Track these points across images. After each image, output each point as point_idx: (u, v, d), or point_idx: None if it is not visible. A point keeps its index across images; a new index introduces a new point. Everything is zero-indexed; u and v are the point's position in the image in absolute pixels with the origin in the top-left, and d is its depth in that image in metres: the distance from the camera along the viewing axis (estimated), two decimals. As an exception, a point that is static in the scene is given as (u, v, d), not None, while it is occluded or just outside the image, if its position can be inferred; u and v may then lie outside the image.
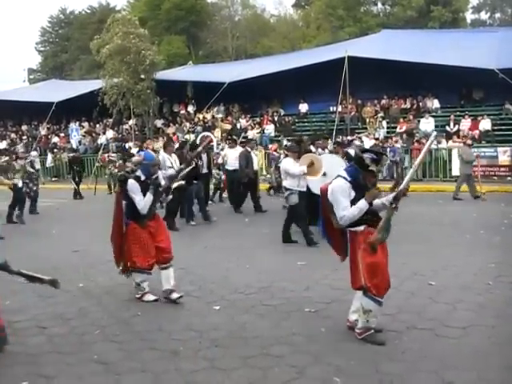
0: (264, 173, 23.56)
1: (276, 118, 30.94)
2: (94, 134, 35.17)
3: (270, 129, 29.80)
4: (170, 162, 12.67)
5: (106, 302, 7.39)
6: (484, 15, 59.15)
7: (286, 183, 10.83)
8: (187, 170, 8.58)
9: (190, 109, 34.33)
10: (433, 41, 29.96)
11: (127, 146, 30.52)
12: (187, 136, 30.73)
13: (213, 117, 32.41)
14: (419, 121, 26.10)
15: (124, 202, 7.43)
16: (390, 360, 5.22)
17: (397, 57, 26.14)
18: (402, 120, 26.58)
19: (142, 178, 7.36)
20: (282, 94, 31.92)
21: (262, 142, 27.43)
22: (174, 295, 7.23)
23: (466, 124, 25.37)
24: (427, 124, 25.53)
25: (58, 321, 6.66)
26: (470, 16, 57.41)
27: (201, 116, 32.49)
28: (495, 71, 23.23)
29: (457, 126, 25.34)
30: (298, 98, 30.74)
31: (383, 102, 28.88)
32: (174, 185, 8.39)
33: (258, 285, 7.83)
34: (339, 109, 27.39)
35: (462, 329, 5.89)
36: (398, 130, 25.83)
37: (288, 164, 10.73)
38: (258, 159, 16.86)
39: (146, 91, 31.29)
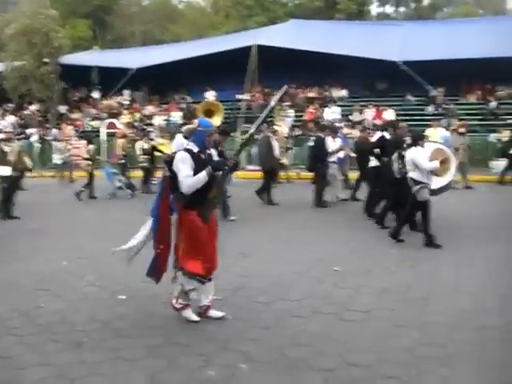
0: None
1: (183, 105, 30.74)
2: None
3: (176, 116, 29.57)
4: None
5: (7, 294, 7.09)
6: (389, 9, 60.97)
7: (414, 175, 9.42)
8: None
9: (96, 94, 33.52)
10: (340, 32, 30.66)
11: (28, 132, 29.51)
12: (92, 123, 30.12)
13: (120, 104, 31.85)
14: (324, 110, 26.63)
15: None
16: (296, 345, 5.29)
17: (305, 47, 26.49)
18: (307, 109, 27.01)
19: (195, 149, 5.78)
20: (189, 81, 31.69)
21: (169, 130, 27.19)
22: (214, 313, 6.09)
23: (370, 114, 26.10)
24: (332, 113, 26.06)
25: (-47, 314, 6.35)
26: (375, 9, 59.05)
27: (106, 102, 31.80)
28: (398, 63, 24.02)
29: (361, 116, 26.04)
30: (205, 85, 30.56)
31: (290, 90, 29.22)
32: None
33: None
34: (246, 97, 27.49)
35: (364, 312, 6.06)
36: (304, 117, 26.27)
37: (420, 155, 9.34)
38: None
39: (49, 75, 30.30)
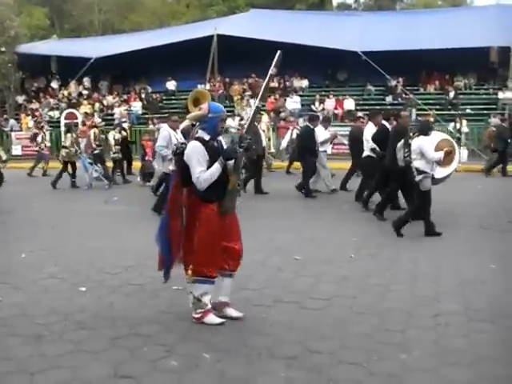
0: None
1: (143, 96, 30.50)
2: None
3: (137, 106, 29.36)
4: (175, 140, 10.69)
5: (-37, 287, 6.94)
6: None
7: (418, 164, 9.20)
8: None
9: (55, 84, 33.02)
10: (301, 22, 30.72)
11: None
12: (51, 113, 29.68)
13: (79, 94, 31.45)
14: (285, 99, 26.71)
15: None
16: (258, 334, 5.30)
17: (265, 36, 26.47)
18: (269, 99, 27.03)
19: (207, 137, 5.34)
20: (149, 71, 31.46)
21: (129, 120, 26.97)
22: (232, 312, 5.69)
23: (330, 103, 26.29)
24: (293, 103, 26.18)
25: None
26: (335, -1, 59.30)
27: (65, 92, 31.36)
28: (359, 53, 24.25)
29: (322, 105, 26.22)
30: (166, 75, 30.41)
31: (251, 80, 29.20)
32: None
33: (125, 264, 7.67)
34: (207, 87, 27.41)
35: (325, 300, 6.10)
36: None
37: (426, 145, 9.17)
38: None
39: (6, 65, 29.74)
